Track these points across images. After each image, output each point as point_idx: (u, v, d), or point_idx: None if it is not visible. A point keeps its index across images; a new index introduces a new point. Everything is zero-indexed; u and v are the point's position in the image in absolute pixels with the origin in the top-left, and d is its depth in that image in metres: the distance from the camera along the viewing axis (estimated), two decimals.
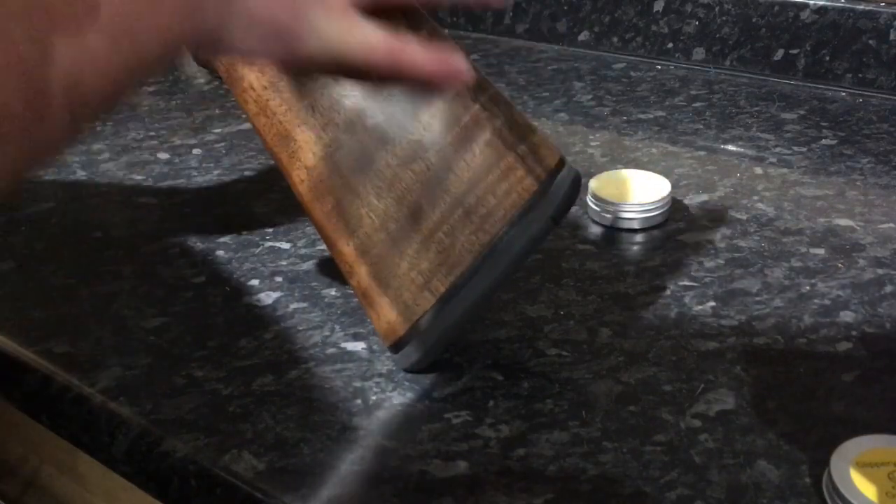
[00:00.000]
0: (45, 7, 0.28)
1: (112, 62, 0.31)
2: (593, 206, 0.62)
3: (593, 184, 0.63)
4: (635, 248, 0.59)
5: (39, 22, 0.28)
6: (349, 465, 0.41)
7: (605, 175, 0.64)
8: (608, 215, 0.61)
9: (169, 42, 0.34)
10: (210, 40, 0.38)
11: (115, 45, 0.31)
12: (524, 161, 0.44)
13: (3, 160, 0.28)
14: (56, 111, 0.29)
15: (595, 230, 0.61)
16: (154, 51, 0.33)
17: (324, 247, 0.49)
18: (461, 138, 0.44)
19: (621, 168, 0.69)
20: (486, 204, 0.44)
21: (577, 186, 0.45)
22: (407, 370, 0.47)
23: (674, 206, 0.63)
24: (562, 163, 0.45)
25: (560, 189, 0.44)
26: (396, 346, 0.45)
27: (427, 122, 0.44)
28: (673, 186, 0.64)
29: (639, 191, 0.61)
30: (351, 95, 0.44)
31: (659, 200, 0.61)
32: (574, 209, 0.64)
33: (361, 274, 0.45)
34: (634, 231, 0.61)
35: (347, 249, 0.45)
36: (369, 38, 0.39)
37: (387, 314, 0.45)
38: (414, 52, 0.39)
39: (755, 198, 0.65)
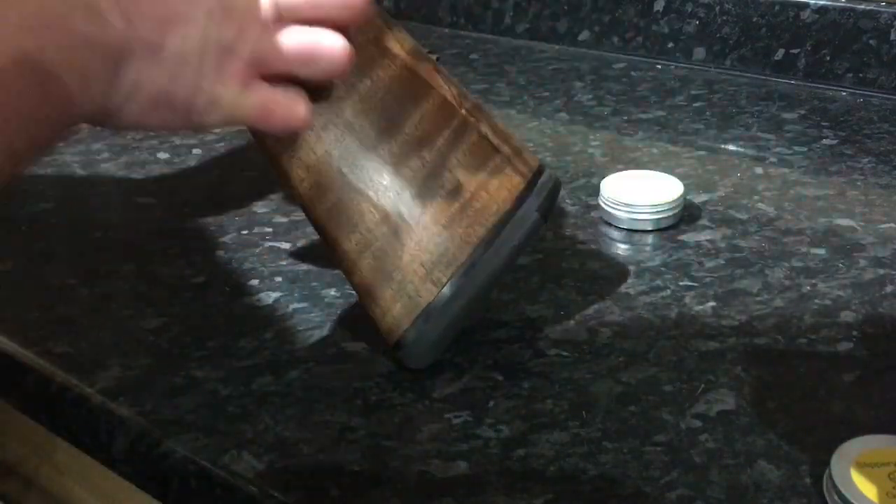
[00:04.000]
0: None
1: None
2: (606, 208, 0.61)
3: (605, 184, 0.62)
4: (635, 248, 0.59)
5: None
6: (349, 465, 0.41)
7: (616, 175, 0.64)
8: (621, 216, 0.61)
9: (49, 129, 0.34)
10: (102, 118, 0.39)
11: None
12: (510, 161, 0.47)
13: None
14: None
15: (595, 230, 0.61)
16: (36, 137, 0.34)
17: (323, 247, 0.49)
18: (452, 139, 0.46)
19: (622, 168, 0.69)
20: (479, 199, 0.45)
21: (557, 187, 0.48)
22: (410, 366, 0.47)
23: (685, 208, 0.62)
24: (542, 166, 0.48)
25: (545, 187, 0.47)
26: (400, 342, 0.45)
27: (419, 124, 0.46)
28: None
29: (652, 192, 0.61)
30: (349, 98, 0.45)
31: (672, 201, 0.60)
32: (574, 209, 0.64)
33: (364, 269, 0.45)
34: (637, 232, 0.61)
35: (349, 246, 0.45)
36: (259, 102, 0.41)
37: (390, 308, 0.45)
38: (279, 111, 0.42)
39: (755, 198, 0.65)
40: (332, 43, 0.41)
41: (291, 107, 0.42)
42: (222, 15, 0.39)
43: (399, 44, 0.46)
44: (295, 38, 0.41)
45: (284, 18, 0.41)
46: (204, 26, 0.39)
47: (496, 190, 0.46)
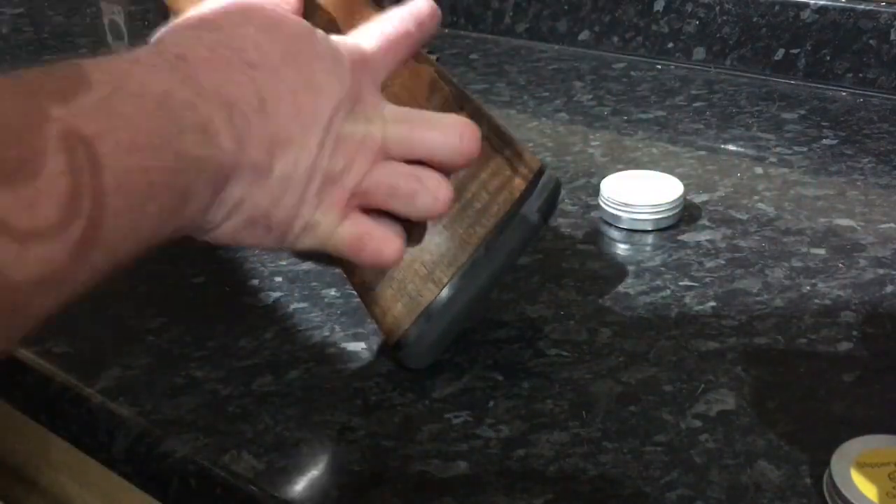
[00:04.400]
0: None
1: (81, 277, 0.30)
2: (606, 208, 0.61)
3: (605, 184, 0.62)
4: (635, 248, 0.59)
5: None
6: (349, 465, 0.41)
7: (616, 175, 0.64)
8: (621, 216, 0.61)
9: (144, 243, 0.33)
10: (198, 233, 0.38)
11: (88, 266, 0.30)
12: (511, 163, 0.47)
13: None
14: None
15: (595, 230, 0.61)
16: (132, 249, 0.32)
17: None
18: None
19: (622, 168, 0.69)
20: (480, 199, 0.45)
21: (558, 189, 0.48)
22: (411, 366, 0.47)
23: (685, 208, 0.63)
24: (543, 167, 0.48)
25: (545, 189, 0.47)
26: (401, 342, 0.45)
27: None
28: None
29: (652, 192, 0.61)
30: None
31: (672, 201, 0.60)
32: (574, 209, 0.64)
33: (364, 269, 0.45)
34: (638, 232, 0.61)
35: None
36: (355, 233, 0.40)
37: (391, 307, 0.45)
38: (372, 244, 0.41)
39: (755, 198, 0.65)
40: (435, 187, 0.40)
41: (384, 244, 0.41)
42: (335, 144, 0.38)
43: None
44: (400, 176, 0.40)
45: (393, 153, 0.40)
46: (316, 154, 0.38)
47: (496, 191, 0.46)
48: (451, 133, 0.41)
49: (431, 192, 0.40)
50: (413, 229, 0.44)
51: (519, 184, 0.46)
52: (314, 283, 0.56)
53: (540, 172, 0.47)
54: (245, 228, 0.38)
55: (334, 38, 0.41)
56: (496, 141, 0.47)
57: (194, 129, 0.33)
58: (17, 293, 0.27)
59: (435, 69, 0.47)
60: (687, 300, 0.53)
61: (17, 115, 0.28)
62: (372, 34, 0.42)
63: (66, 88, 0.30)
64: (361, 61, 0.41)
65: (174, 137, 0.33)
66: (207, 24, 0.37)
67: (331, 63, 0.39)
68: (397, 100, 0.43)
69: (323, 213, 0.39)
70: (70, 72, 0.30)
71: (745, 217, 0.62)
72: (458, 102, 0.46)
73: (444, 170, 0.41)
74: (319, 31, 0.40)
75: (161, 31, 0.37)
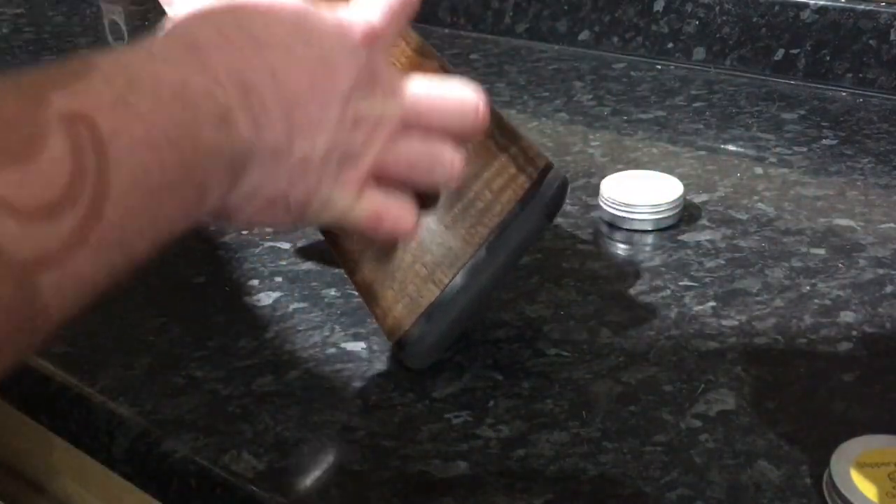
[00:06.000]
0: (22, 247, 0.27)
1: (99, 273, 0.30)
2: (605, 207, 0.61)
3: (605, 184, 0.62)
4: (635, 248, 0.59)
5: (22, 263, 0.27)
6: (349, 465, 0.41)
7: (616, 175, 0.64)
8: (621, 216, 0.61)
9: (164, 234, 0.33)
10: (217, 218, 0.37)
11: (103, 260, 0.30)
12: (515, 161, 0.46)
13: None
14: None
15: (594, 230, 0.61)
16: (150, 244, 0.32)
17: (323, 247, 0.49)
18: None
19: (622, 168, 0.69)
20: (483, 199, 0.45)
21: (565, 187, 0.48)
22: (411, 366, 0.47)
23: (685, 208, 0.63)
24: (550, 165, 0.47)
25: (550, 188, 0.46)
26: (402, 342, 0.45)
27: None
28: None
29: (652, 192, 0.61)
30: None
31: (672, 202, 0.60)
32: (574, 209, 0.64)
33: (366, 269, 0.45)
34: (637, 232, 0.61)
35: (351, 245, 0.45)
36: (372, 209, 0.40)
37: (392, 307, 0.45)
38: (389, 219, 0.41)
39: (755, 198, 0.65)
40: (451, 156, 0.41)
41: (401, 217, 0.41)
42: (353, 122, 0.38)
43: (405, 41, 0.46)
44: (416, 149, 0.41)
45: (409, 125, 0.40)
46: (334, 132, 0.38)
47: (500, 190, 0.45)
48: (466, 106, 0.41)
49: (447, 162, 0.41)
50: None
51: (523, 182, 0.46)
52: (314, 283, 0.56)
53: (546, 170, 0.47)
54: (264, 210, 0.38)
55: (339, 12, 0.40)
56: (501, 139, 0.46)
57: (212, 119, 0.33)
58: (18, 271, 0.27)
59: (440, 64, 0.46)
60: (687, 300, 0.53)
61: (22, 104, 0.28)
62: (375, 5, 0.41)
63: (73, 81, 0.29)
64: (372, 35, 0.40)
65: (192, 129, 0.32)
66: (213, 12, 0.37)
67: (342, 39, 0.39)
68: None
69: (341, 190, 0.39)
70: (79, 66, 0.30)
71: (745, 217, 0.62)
72: None
73: (457, 139, 0.42)
74: (322, 6, 0.40)
75: (167, 25, 0.37)
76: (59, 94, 0.28)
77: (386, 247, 0.45)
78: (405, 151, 0.41)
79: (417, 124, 0.41)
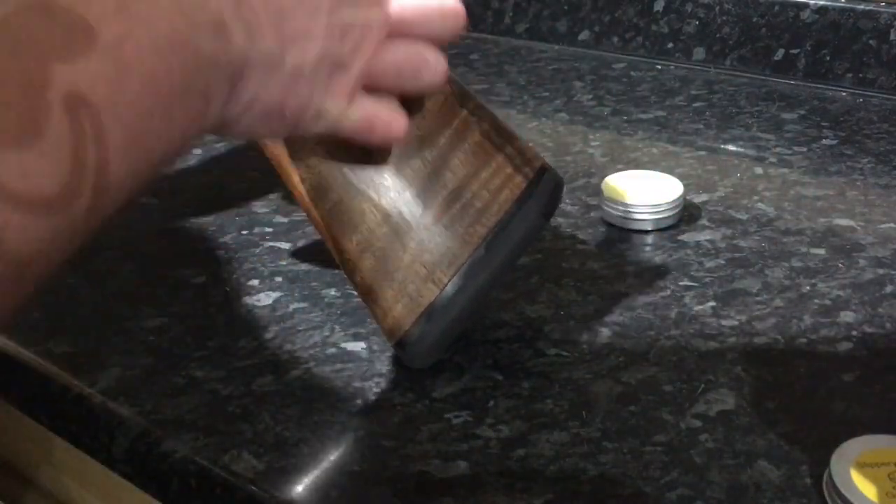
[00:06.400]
0: (38, 40, 0.28)
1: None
2: (605, 208, 0.61)
3: (606, 184, 0.62)
4: (635, 248, 0.59)
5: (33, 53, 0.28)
6: (349, 465, 0.41)
7: (616, 175, 0.64)
8: (621, 216, 0.61)
9: (171, 148, 0.33)
10: (217, 130, 0.38)
11: (121, 83, 0.30)
12: (512, 161, 0.46)
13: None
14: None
15: (594, 230, 0.61)
16: (158, 157, 0.33)
17: (323, 247, 0.49)
18: (453, 139, 0.46)
19: (622, 168, 0.69)
20: (480, 198, 0.45)
21: (560, 187, 0.48)
22: (412, 366, 0.47)
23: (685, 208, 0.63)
24: (546, 165, 0.47)
25: (547, 187, 0.46)
26: (402, 342, 0.45)
27: (420, 124, 0.46)
28: None
29: (652, 192, 0.61)
30: None
31: (672, 202, 0.60)
32: (574, 209, 0.64)
33: (365, 269, 0.45)
34: (636, 232, 0.61)
35: (350, 246, 0.45)
36: (363, 115, 0.41)
37: (392, 308, 0.45)
38: (380, 124, 0.42)
39: (755, 198, 0.65)
40: (435, 59, 0.42)
41: (393, 120, 0.43)
42: (341, 30, 0.39)
43: None
44: (402, 55, 0.42)
45: (393, 33, 0.42)
46: (323, 41, 0.39)
47: (497, 190, 0.45)
48: (447, 11, 0.43)
49: (433, 66, 0.42)
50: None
51: (520, 182, 0.46)
52: (314, 283, 0.56)
53: (542, 170, 0.47)
54: (260, 120, 0.39)
55: None
56: (498, 139, 0.46)
57: (208, 27, 0.34)
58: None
59: None
60: (687, 300, 0.53)
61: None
62: None
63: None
64: None
65: (191, 36, 0.33)
66: None
67: None
68: None
69: (332, 98, 0.40)
70: None
71: (745, 217, 0.62)
72: (459, 101, 0.46)
73: (438, 43, 0.43)
74: None
75: None
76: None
77: (385, 247, 0.45)
78: (392, 58, 0.42)
79: (401, 32, 0.42)
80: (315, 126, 0.41)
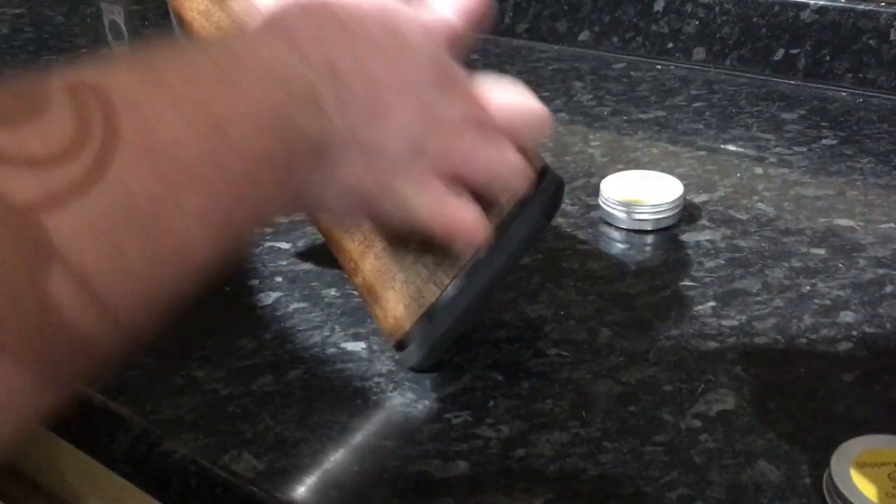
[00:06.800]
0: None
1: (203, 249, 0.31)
2: (606, 208, 0.61)
3: (606, 184, 0.62)
4: (635, 248, 0.59)
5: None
6: (349, 465, 0.41)
7: (616, 176, 0.64)
8: (621, 216, 0.61)
9: (265, 212, 0.34)
10: (297, 204, 0.38)
11: (209, 236, 0.31)
12: None
13: None
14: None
15: (594, 230, 0.61)
16: (239, 231, 0.33)
17: (323, 247, 0.49)
18: None
19: (622, 168, 0.69)
20: (482, 199, 0.45)
21: (561, 188, 0.47)
22: (412, 368, 0.47)
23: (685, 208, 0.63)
24: (547, 167, 0.47)
25: (549, 189, 0.46)
26: (402, 343, 0.45)
27: None
28: None
29: (652, 192, 0.61)
30: None
31: (672, 202, 0.60)
32: (574, 209, 0.64)
33: (366, 269, 0.45)
34: (637, 232, 0.61)
35: (352, 246, 0.45)
36: (439, 207, 0.40)
37: (393, 308, 0.45)
38: (456, 223, 0.40)
39: (755, 198, 0.65)
40: (516, 165, 0.41)
41: (475, 223, 0.41)
42: (428, 118, 0.38)
43: None
44: (484, 154, 0.40)
45: (480, 128, 0.40)
46: (409, 125, 0.38)
47: (499, 192, 0.45)
48: (535, 115, 0.41)
49: (513, 165, 0.41)
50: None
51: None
52: (314, 283, 0.56)
53: (543, 172, 0.47)
54: (338, 197, 0.38)
55: (420, 11, 0.40)
56: None
57: (301, 95, 0.33)
58: (22, 217, 0.26)
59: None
60: (687, 300, 0.53)
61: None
62: (452, 6, 0.41)
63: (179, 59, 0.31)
64: (451, 35, 0.40)
65: (293, 117, 0.33)
66: (303, 2, 0.37)
67: (423, 36, 0.39)
68: None
69: (412, 185, 0.39)
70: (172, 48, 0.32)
71: (744, 217, 0.62)
72: None
73: (521, 145, 0.42)
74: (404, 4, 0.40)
75: (257, 14, 0.37)
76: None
77: (387, 248, 0.45)
78: (474, 152, 0.40)
79: (487, 128, 0.40)
80: (392, 211, 0.39)
